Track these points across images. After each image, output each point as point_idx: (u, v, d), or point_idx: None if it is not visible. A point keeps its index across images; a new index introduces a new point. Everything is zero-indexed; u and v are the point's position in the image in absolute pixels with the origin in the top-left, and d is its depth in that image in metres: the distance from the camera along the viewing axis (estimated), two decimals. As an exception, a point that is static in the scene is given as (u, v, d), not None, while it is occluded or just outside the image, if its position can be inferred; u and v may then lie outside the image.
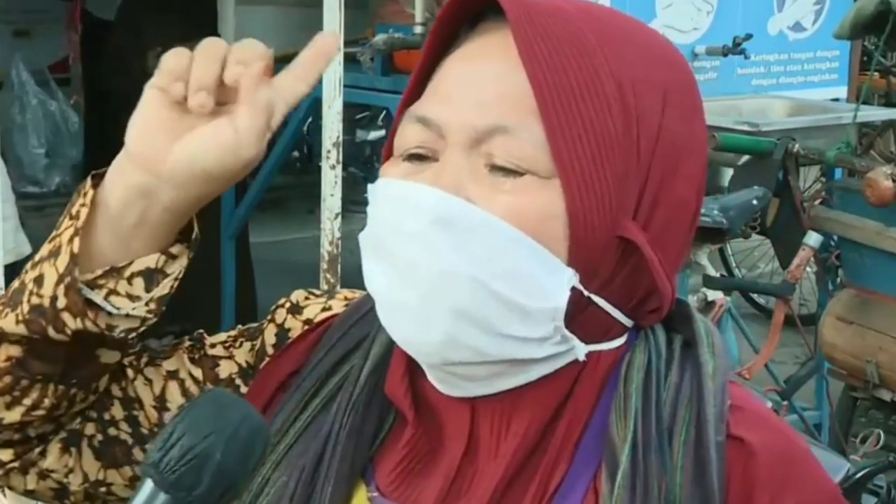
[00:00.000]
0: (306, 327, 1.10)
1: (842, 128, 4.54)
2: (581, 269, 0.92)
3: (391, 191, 0.95)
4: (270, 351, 1.10)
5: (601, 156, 0.91)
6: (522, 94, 0.92)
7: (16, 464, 1.07)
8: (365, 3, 5.06)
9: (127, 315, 1.00)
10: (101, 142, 5.74)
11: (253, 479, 1.01)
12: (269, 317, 1.13)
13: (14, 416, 1.03)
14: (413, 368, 0.99)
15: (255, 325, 1.14)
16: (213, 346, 1.13)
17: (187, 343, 1.13)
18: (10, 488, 1.09)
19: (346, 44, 3.88)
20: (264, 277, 5.69)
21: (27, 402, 1.03)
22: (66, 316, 0.98)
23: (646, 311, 0.97)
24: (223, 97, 0.96)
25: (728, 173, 4.65)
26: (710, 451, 0.91)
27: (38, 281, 0.99)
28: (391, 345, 0.99)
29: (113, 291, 0.99)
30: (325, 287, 3.80)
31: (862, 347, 3.86)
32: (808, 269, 4.25)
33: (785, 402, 4.10)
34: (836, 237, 4.15)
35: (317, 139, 7.29)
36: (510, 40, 0.93)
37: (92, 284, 0.99)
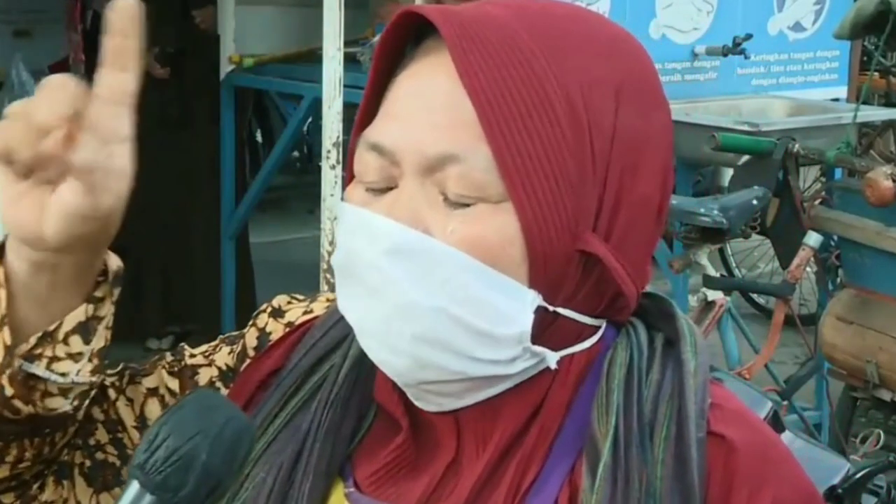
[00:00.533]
0: (287, 329, 1.10)
1: (842, 128, 4.54)
2: (543, 288, 0.92)
3: (351, 218, 0.95)
4: (251, 354, 1.10)
5: (553, 170, 0.90)
6: (469, 118, 0.90)
7: (18, 502, 1.07)
8: (365, 3, 5.06)
9: (73, 382, 0.97)
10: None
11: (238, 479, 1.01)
12: (250, 322, 1.13)
13: (3, 472, 1.03)
14: None
15: (235, 333, 1.14)
16: (192, 356, 1.13)
17: (168, 357, 1.13)
18: None
19: (346, 44, 3.88)
20: (264, 277, 5.69)
21: (9, 459, 1.02)
22: (17, 403, 0.96)
23: (615, 309, 0.97)
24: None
25: (728, 173, 4.65)
26: (690, 446, 0.91)
27: None
28: None
29: (53, 358, 0.96)
30: (325, 287, 3.80)
31: (862, 347, 3.86)
32: (808, 269, 4.25)
33: (785, 402, 4.10)
34: (836, 237, 4.15)
35: (317, 139, 7.30)
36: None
37: (30, 357, 0.96)
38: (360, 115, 0.98)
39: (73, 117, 0.88)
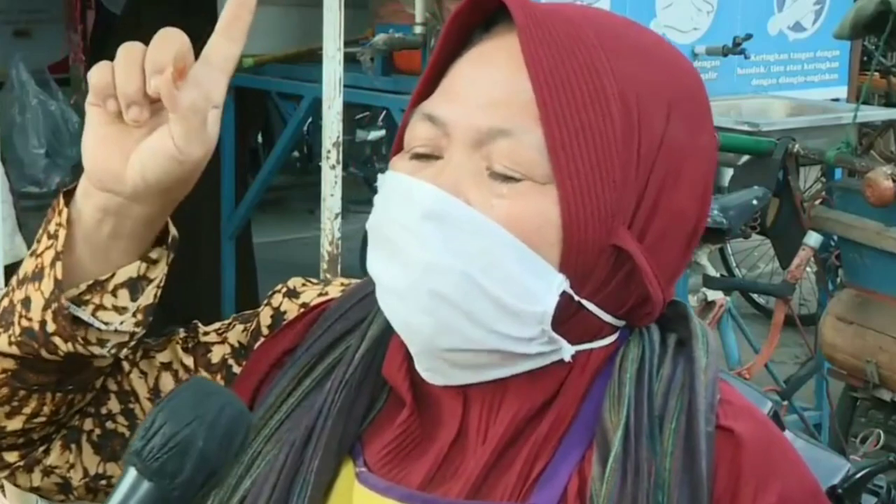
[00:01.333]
0: (303, 310, 1.11)
1: (842, 128, 4.54)
2: (572, 275, 0.94)
3: (394, 184, 0.97)
4: (265, 332, 1.12)
5: (599, 164, 0.92)
6: (527, 99, 0.93)
7: (21, 463, 1.08)
8: (365, 3, 5.06)
9: (116, 330, 1.00)
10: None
11: (236, 464, 1.02)
12: (265, 301, 1.15)
13: (16, 424, 1.05)
14: (411, 356, 1.00)
15: (249, 311, 1.16)
16: (206, 333, 1.15)
17: (182, 334, 1.15)
18: (16, 485, 1.09)
19: (346, 44, 3.88)
20: (264, 277, 5.69)
21: (27, 410, 1.04)
22: (56, 340, 0.99)
23: (638, 314, 0.98)
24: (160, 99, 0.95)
25: (728, 173, 4.64)
26: (699, 439, 0.93)
27: (26, 304, 0.99)
28: (388, 328, 1.01)
29: (100, 306, 0.99)
30: (325, 287, 3.80)
31: (862, 347, 3.86)
32: (808, 269, 4.25)
33: (785, 402, 4.10)
34: (836, 237, 4.15)
35: (317, 139, 7.30)
36: (519, 45, 0.94)
37: (78, 301, 0.99)
38: (417, 90, 1.00)
39: (181, 72, 0.92)
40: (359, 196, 7.20)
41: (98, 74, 0.94)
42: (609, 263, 0.94)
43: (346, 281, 1.14)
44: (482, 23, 0.99)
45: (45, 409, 1.04)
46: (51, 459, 1.08)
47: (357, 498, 0.99)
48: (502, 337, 0.94)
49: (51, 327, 0.98)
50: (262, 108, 6.93)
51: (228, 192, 5.32)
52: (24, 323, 0.99)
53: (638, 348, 0.98)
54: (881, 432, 3.78)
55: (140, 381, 1.11)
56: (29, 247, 1.02)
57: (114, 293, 0.99)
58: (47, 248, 0.99)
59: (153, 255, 1.01)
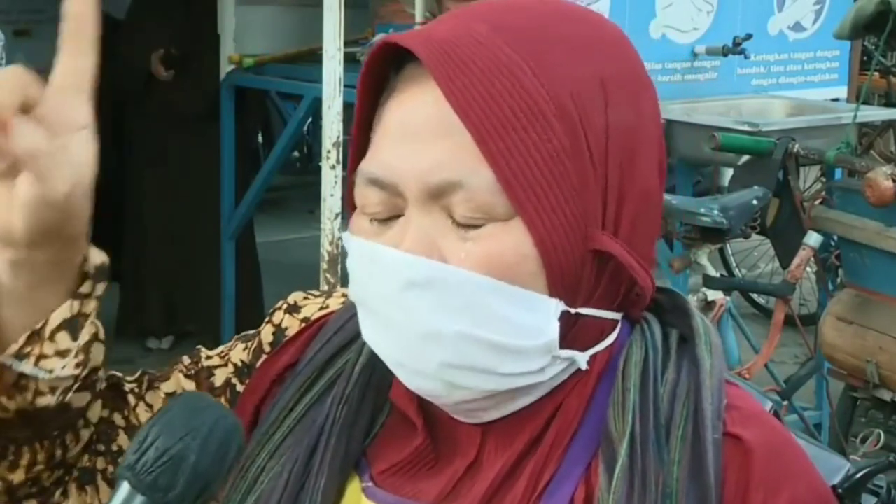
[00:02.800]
0: (303, 325, 1.11)
1: (842, 128, 4.54)
2: (563, 294, 0.92)
3: (362, 251, 0.94)
4: (267, 349, 1.11)
5: (555, 178, 0.90)
6: (464, 141, 0.90)
7: None
8: (365, 3, 5.06)
9: (57, 377, 0.97)
10: (102, 141, 5.75)
11: (240, 479, 1.03)
12: (266, 319, 1.14)
13: (20, 476, 1.03)
14: None
15: (251, 332, 1.15)
16: (209, 357, 1.14)
17: (186, 361, 1.14)
18: None
19: (346, 44, 3.89)
20: (264, 277, 5.69)
21: (23, 462, 1.02)
22: (3, 400, 0.97)
23: (631, 299, 0.97)
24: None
25: (728, 173, 4.65)
26: (707, 447, 0.91)
27: None
28: None
29: (41, 356, 0.96)
30: (326, 287, 3.80)
31: (862, 347, 3.86)
32: (808, 269, 4.25)
33: (785, 402, 4.09)
34: (836, 237, 4.15)
35: (317, 139, 7.30)
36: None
37: (20, 356, 0.95)
38: (352, 147, 0.98)
39: (24, 106, 0.87)
40: (359, 196, 7.20)
41: None
42: (593, 268, 0.93)
43: (347, 291, 1.13)
44: (395, 65, 0.96)
45: (40, 458, 1.02)
46: (70, 502, 1.07)
47: None
48: (514, 376, 0.93)
49: None
50: (263, 109, 6.94)
51: (228, 192, 5.32)
52: None
53: (641, 350, 0.96)
54: (881, 432, 3.78)
55: (147, 413, 1.10)
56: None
57: (52, 339, 0.96)
58: None
59: (83, 289, 0.97)
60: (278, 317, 1.13)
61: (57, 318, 0.96)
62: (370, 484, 1.00)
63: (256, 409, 1.09)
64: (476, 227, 0.91)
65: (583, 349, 0.95)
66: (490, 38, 0.91)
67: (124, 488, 0.86)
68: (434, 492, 0.97)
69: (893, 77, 7.30)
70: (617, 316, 0.98)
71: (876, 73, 6.37)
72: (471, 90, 0.89)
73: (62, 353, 0.97)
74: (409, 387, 0.96)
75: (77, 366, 0.97)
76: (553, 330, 0.92)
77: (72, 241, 0.94)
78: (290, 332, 1.11)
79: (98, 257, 0.98)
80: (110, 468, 1.08)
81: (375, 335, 0.95)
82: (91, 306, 0.98)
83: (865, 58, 6.33)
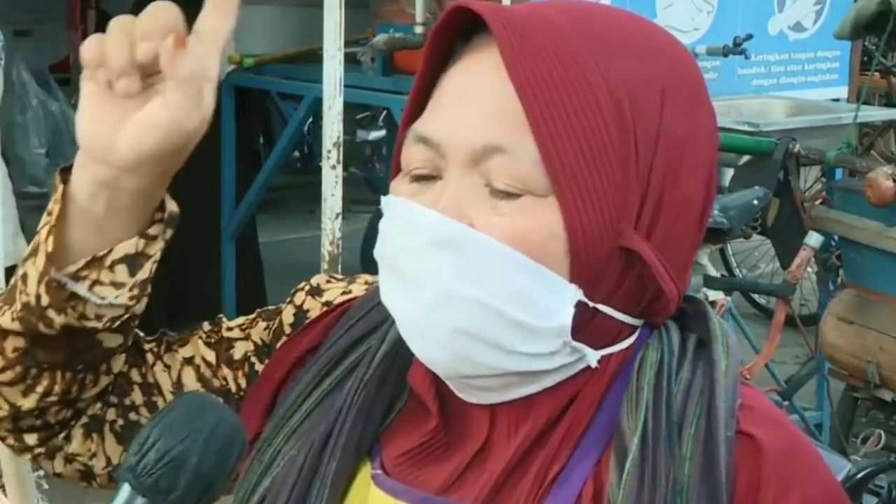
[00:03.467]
0: (325, 308, 1.12)
1: (842, 128, 4.54)
2: (584, 283, 0.93)
3: (397, 210, 0.96)
4: (288, 331, 1.12)
5: (597, 168, 0.91)
6: (516, 112, 0.92)
7: (42, 449, 1.10)
8: (365, 3, 5.05)
9: (111, 304, 1.00)
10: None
11: (256, 462, 1.04)
12: (288, 299, 1.15)
13: (30, 402, 1.05)
14: None
15: (272, 307, 1.16)
16: (230, 328, 1.16)
17: (206, 327, 1.16)
18: (43, 469, 1.12)
19: (347, 44, 3.88)
20: (265, 277, 5.69)
21: (39, 389, 1.05)
22: (50, 313, 1.00)
23: (655, 310, 0.98)
24: (152, 71, 0.95)
25: (728, 173, 4.64)
26: (719, 444, 0.92)
27: (24, 279, 1.00)
28: None
29: (97, 281, 0.99)
30: (326, 287, 3.80)
31: (863, 347, 3.86)
32: (808, 269, 4.25)
33: (785, 402, 4.09)
34: (836, 237, 4.15)
35: (317, 139, 7.29)
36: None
37: (75, 276, 0.99)
38: (407, 109, 1.00)
39: (181, 40, 0.92)
40: (359, 196, 7.20)
41: (89, 47, 0.94)
42: (619, 265, 0.94)
43: (370, 279, 1.14)
44: (463, 34, 0.98)
45: (57, 388, 1.05)
46: (73, 447, 1.10)
47: (372, 500, 1.00)
48: (524, 356, 0.93)
49: (45, 300, 0.99)
50: (265, 109, 6.94)
51: (229, 192, 5.32)
52: (23, 298, 1.00)
53: (657, 352, 0.96)
54: (882, 432, 3.78)
55: (164, 374, 1.12)
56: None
57: (111, 268, 0.99)
58: (45, 224, 0.99)
59: (152, 231, 1.01)
60: (300, 298, 1.14)
61: (121, 250, 0.99)
62: (379, 471, 1.00)
63: (275, 391, 1.09)
64: (511, 198, 0.92)
65: (596, 347, 0.95)
66: (561, 23, 0.94)
67: (125, 490, 0.86)
68: (442, 479, 0.98)
69: (894, 77, 7.29)
70: (636, 322, 0.98)
71: (876, 74, 6.37)
72: (531, 64, 0.91)
73: (117, 285, 1.00)
74: (420, 357, 0.96)
75: (130, 299, 1.01)
76: (567, 315, 0.92)
77: (162, 176, 0.99)
78: (312, 315, 1.12)
79: (172, 205, 1.02)
80: (119, 421, 1.10)
81: (395, 294, 0.96)
82: (155, 248, 1.01)
83: (866, 58, 6.33)
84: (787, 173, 4.20)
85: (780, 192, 4.19)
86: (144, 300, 1.03)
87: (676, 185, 0.95)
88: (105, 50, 0.93)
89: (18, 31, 6.46)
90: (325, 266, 3.80)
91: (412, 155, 0.96)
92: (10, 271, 3.53)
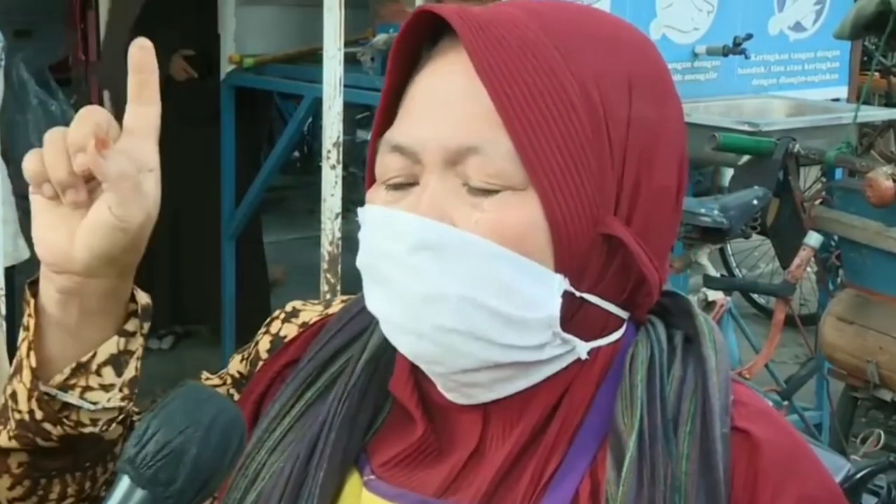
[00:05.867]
0: (303, 329, 1.11)
1: (842, 128, 4.54)
2: (569, 272, 0.93)
3: (375, 218, 0.96)
4: (265, 357, 1.12)
5: (573, 157, 0.92)
6: (488, 110, 0.92)
7: None
8: (365, 3, 5.06)
9: (104, 408, 1.00)
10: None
11: (241, 476, 1.03)
12: (263, 329, 1.15)
13: None
14: (419, 370, 0.99)
15: (247, 345, 1.16)
16: (208, 378, 1.16)
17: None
18: None
19: (347, 44, 3.88)
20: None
21: (53, 496, 1.04)
22: (47, 426, 0.99)
23: (639, 299, 0.98)
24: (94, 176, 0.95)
25: (728, 173, 4.65)
26: (715, 442, 0.92)
27: (13, 397, 1.00)
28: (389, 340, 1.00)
29: (87, 388, 0.99)
30: (326, 287, 3.80)
31: (862, 347, 3.86)
32: (808, 269, 4.25)
33: (785, 402, 4.10)
34: (836, 237, 4.15)
35: (317, 139, 7.29)
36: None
37: (64, 387, 0.99)
38: (378, 118, 1.00)
39: (103, 142, 0.92)
40: (359, 196, 7.19)
41: (29, 164, 0.94)
42: (603, 253, 0.95)
43: (346, 298, 1.14)
44: (428, 40, 0.99)
45: (70, 491, 1.04)
46: None
47: None
48: (514, 349, 0.93)
49: (38, 415, 0.98)
50: (269, 108, 6.94)
51: (229, 192, 5.32)
52: (17, 416, 1.00)
53: (646, 349, 0.97)
54: (881, 432, 3.77)
55: None
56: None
57: (98, 373, 0.99)
58: (23, 339, 0.99)
59: (129, 327, 1.01)
60: (276, 326, 1.14)
61: (105, 351, 0.99)
62: (372, 477, 1.00)
63: (257, 406, 1.09)
64: (490, 194, 0.92)
65: (584, 338, 0.96)
66: (525, 21, 0.95)
67: (124, 482, 0.85)
68: (437, 483, 0.98)
69: (894, 77, 7.29)
70: (622, 313, 0.98)
71: (876, 74, 6.37)
72: (498, 61, 0.92)
73: (107, 388, 1.00)
74: (408, 355, 0.96)
75: (122, 399, 1.01)
76: (555, 305, 0.93)
77: (125, 273, 0.98)
78: (289, 339, 1.11)
79: (143, 297, 1.02)
80: None
81: (380, 300, 0.96)
82: (136, 343, 1.01)
83: (866, 58, 6.32)
84: (787, 173, 4.20)
85: (779, 191, 4.19)
86: (134, 398, 1.03)
87: (651, 172, 0.96)
88: (45, 165, 0.93)
89: (18, 31, 6.46)
90: (324, 266, 3.80)
91: (387, 164, 0.96)
92: (10, 271, 3.53)
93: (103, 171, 0.92)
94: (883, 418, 4.00)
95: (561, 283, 0.93)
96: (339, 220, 3.81)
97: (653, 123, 0.96)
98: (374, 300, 0.97)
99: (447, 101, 0.94)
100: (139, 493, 0.85)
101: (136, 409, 1.13)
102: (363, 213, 0.98)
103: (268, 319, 1.15)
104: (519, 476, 0.95)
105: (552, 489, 0.94)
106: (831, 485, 0.98)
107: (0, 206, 3.45)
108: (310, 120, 5.94)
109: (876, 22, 4.17)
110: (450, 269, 0.92)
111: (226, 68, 5.19)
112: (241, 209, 5.27)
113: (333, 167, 3.79)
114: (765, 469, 0.93)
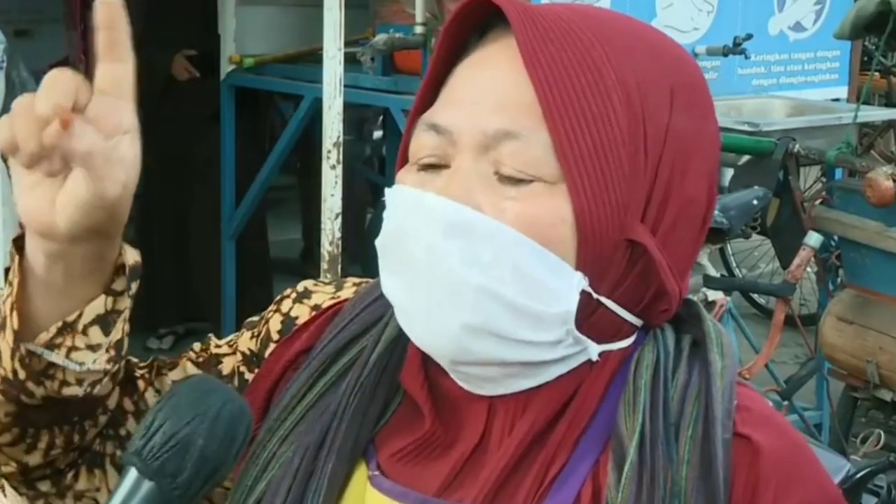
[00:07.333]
0: (314, 313, 1.11)
1: (842, 128, 4.54)
2: (590, 272, 0.93)
3: (404, 198, 0.96)
4: (276, 338, 1.11)
5: (607, 158, 0.92)
6: (530, 100, 0.93)
7: (53, 491, 1.09)
8: (365, 3, 5.05)
9: (89, 370, 0.98)
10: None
11: (251, 465, 1.03)
12: (273, 307, 1.14)
13: (36, 458, 1.05)
14: (429, 362, 1.00)
15: (256, 318, 1.15)
16: (218, 346, 1.15)
17: (196, 348, 1.15)
18: None
19: (347, 44, 3.88)
20: (264, 277, 5.69)
21: (41, 445, 1.04)
22: (30, 385, 0.98)
23: (655, 311, 0.98)
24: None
25: (728, 173, 4.65)
26: (716, 447, 0.92)
27: None
28: (403, 331, 1.00)
29: (73, 347, 0.98)
30: (326, 287, 3.79)
31: (862, 347, 3.86)
32: (808, 269, 4.25)
33: (785, 402, 4.10)
34: (836, 237, 4.15)
35: (317, 139, 7.27)
36: (517, 47, 0.94)
37: (50, 345, 0.97)
38: (417, 100, 1.00)
39: (75, 108, 0.89)
40: (359, 196, 7.17)
41: (1, 133, 0.91)
42: (625, 259, 0.94)
43: (357, 280, 1.14)
44: (478, 28, 0.99)
45: (58, 442, 1.04)
46: (80, 484, 1.08)
47: (370, 501, 0.99)
48: (528, 346, 0.93)
49: (21, 374, 0.98)
50: (271, 108, 6.94)
51: (229, 192, 5.32)
52: (0, 372, 0.99)
53: (653, 353, 0.97)
54: (881, 432, 3.77)
55: (156, 399, 1.11)
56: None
57: (84, 332, 0.97)
58: (7, 296, 0.98)
59: (116, 286, 0.99)
60: (286, 305, 1.13)
61: (91, 311, 0.97)
62: (376, 472, 1.00)
63: (269, 394, 1.09)
64: (520, 184, 0.93)
65: (597, 341, 0.96)
66: (575, 20, 0.95)
67: (132, 474, 0.85)
68: (440, 479, 0.98)
69: (894, 77, 7.29)
70: (636, 321, 0.98)
71: (876, 74, 6.37)
72: (546, 54, 0.93)
73: (93, 347, 0.98)
74: (421, 345, 0.96)
75: (108, 361, 0.99)
76: (572, 301, 0.93)
77: (110, 238, 0.96)
78: (301, 321, 1.11)
79: (131, 256, 1.00)
80: (118, 452, 1.09)
81: (398, 282, 0.96)
82: (124, 304, 0.99)
83: (866, 58, 6.33)
84: (787, 173, 4.21)
85: (779, 192, 4.20)
86: (122, 362, 1.02)
87: (682, 184, 0.96)
88: (15, 136, 0.90)
89: (18, 31, 6.46)
90: (324, 266, 3.80)
91: (422, 142, 0.97)
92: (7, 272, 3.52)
93: (69, 151, 0.89)
94: (883, 418, 4.00)
95: (580, 281, 0.93)
96: (339, 220, 3.81)
97: (690, 136, 0.96)
98: (391, 287, 0.97)
99: (490, 88, 0.95)
100: (146, 485, 0.85)
101: (137, 362, 1.12)
102: (391, 193, 0.98)
103: (278, 297, 1.15)
104: (522, 477, 0.95)
105: (555, 490, 0.94)
106: (833, 490, 0.97)
107: (0, 206, 3.45)
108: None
109: (876, 22, 4.17)
110: (472, 255, 0.91)
111: (226, 68, 5.19)
112: (241, 209, 5.27)
113: (333, 167, 3.79)
114: (765, 476, 0.93)
